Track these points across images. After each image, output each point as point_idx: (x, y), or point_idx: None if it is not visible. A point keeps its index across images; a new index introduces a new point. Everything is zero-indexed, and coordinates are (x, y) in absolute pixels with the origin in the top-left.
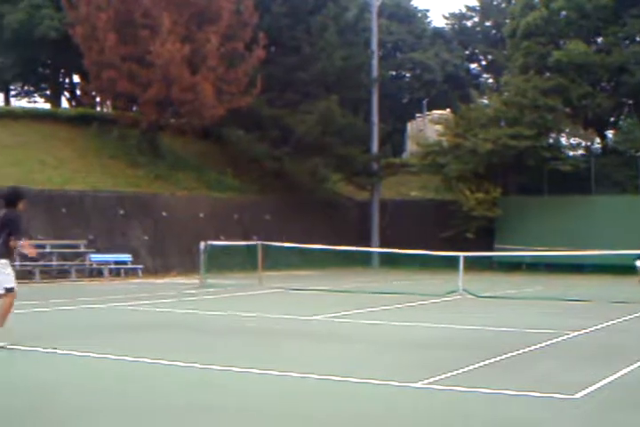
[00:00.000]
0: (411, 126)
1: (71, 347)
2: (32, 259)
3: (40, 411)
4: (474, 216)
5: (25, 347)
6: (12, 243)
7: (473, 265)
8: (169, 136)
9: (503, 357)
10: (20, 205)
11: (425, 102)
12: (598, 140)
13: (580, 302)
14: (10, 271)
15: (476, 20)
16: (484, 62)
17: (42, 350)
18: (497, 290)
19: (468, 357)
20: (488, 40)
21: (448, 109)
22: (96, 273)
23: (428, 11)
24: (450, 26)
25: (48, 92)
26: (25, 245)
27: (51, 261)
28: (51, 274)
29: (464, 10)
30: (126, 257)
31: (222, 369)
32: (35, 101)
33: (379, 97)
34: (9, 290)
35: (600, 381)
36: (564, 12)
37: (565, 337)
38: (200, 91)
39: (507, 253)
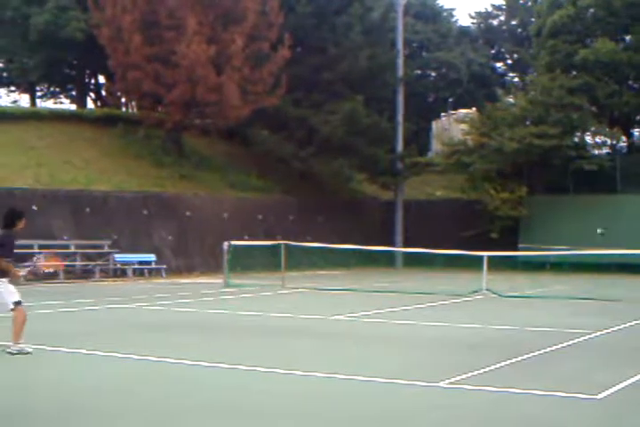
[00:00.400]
0: (436, 125)
1: (95, 347)
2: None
3: (60, 412)
4: (498, 216)
5: (49, 347)
6: (2, 264)
7: (497, 265)
8: (194, 136)
9: (526, 356)
10: (20, 225)
11: (450, 101)
12: (624, 138)
13: (604, 301)
14: (9, 288)
15: (502, 18)
16: (509, 61)
17: (65, 350)
18: (520, 290)
19: (490, 356)
20: (514, 39)
21: (473, 108)
22: (120, 273)
23: (453, 9)
24: (476, 25)
25: (74, 93)
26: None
27: (75, 261)
28: (75, 274)
29: (490, 8)
30: (150, 257)
31: (248, 369)
32: (60, 102)
33: (404, 96)
34: (17, 303)
35: (623, 381)
36: (591, 10)
37: (589, 337)
38: (225, 91)
39: (531, 252)
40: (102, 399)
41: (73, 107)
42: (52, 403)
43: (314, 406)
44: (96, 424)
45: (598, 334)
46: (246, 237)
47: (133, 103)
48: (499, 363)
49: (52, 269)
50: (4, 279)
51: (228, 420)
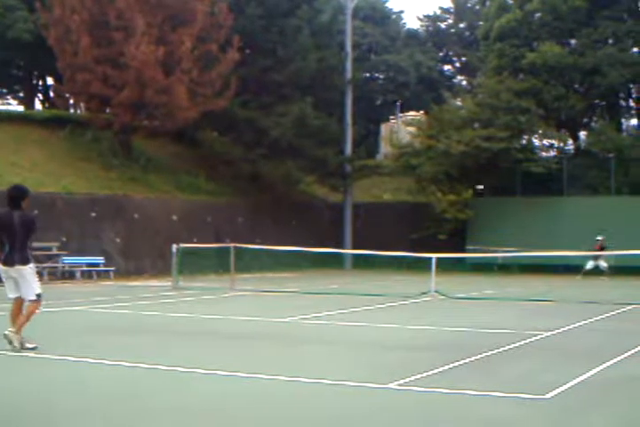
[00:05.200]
0: (384, 128)
1: (44, 350)
2: None
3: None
4: (446, 218)
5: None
6: None
7: (445, 266)
8: (142, 138)
9: (475, 358)
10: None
11: (399, 104)
12: (571, 141)
13: (551, 302)
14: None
15: (451, 21)
16: (457, 64)
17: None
18: (469, 291)
19: (439, 358)
20: (462, 42)
21: (422, 111)
22: (68, 275)
23: (402, 12)
24: (424, 27)
25: (21, 94)
26: None
27: None
28: None
29: (438, 11)
30: (98, 259)
31: (186, 371)
32: (8, 103)
33: (353, 99)
34: (39, 296)
35: (571, 380)
36: (538, 14)
37: (536, 338)
38: (174, 93)
39: (478, 254)
40: (56, 402)
41: (21, 108)
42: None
43: (258, 408)
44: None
45: (547, 334)
46: (195, 240)
47: (82, 105)
48: (448, 364)
49: None
50: (32, 265)
51: (172, 421)
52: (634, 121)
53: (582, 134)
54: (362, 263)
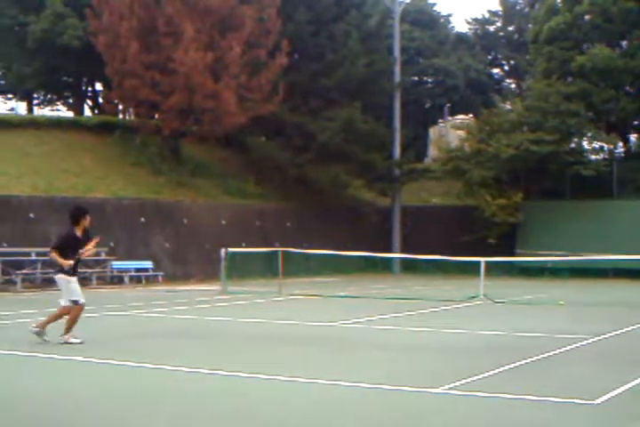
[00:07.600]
0: (433, 132)
1: (101, 355)
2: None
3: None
4: (495, 222)
5: (50, 355)
6: (58, 259)
7: (494, 270)
8: (191, 143)
9: (524, 362)
10: (84, 223)
11: (447, 108)
12: (621, 144)
13: (602, 307)
14: (77, 287)
15: (499, 24)
16: (506, 67)
17: (66, 357)
18: (518, 295)
19: (488, 362)
20: (511, 45)
21: (470, 115)
22: (117, 280)
23: (450, 16)
24: (472, 31)
25: (71, 101)
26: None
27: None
28: None
29: (487, 15)
30: (147, 264)
31: (248, 376)
32: (58, 110)
33: (401, 103)
34: (74, 302)
35: (621, 386)
36: (587, 17)
37: (587, 342)
38: (222, 98)
39: (528, 258)
40: (120, 407)
41: (70, 114)
42: (59, 410)
43: (315, 413)
44: None
45: (596, 339)
46: (244, 244)
47: (131, 110)
48: (498, 369)
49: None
50: (74, 278)
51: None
52: None
53: (633, 137)
54: (410, 267)
